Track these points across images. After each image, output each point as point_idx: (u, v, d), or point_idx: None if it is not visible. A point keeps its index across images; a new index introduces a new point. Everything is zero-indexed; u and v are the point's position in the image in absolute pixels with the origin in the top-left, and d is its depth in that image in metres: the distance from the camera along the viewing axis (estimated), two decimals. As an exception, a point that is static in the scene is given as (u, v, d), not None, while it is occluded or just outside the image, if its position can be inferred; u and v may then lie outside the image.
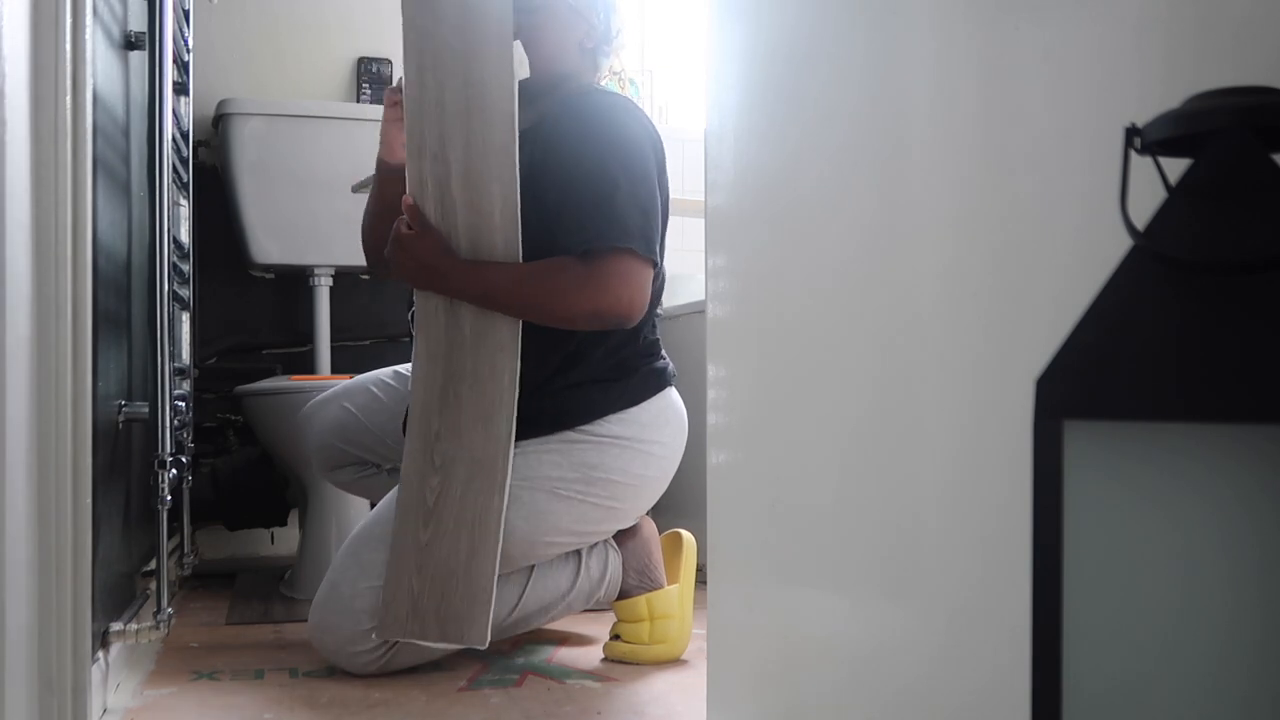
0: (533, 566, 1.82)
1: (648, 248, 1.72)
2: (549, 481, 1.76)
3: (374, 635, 1.68)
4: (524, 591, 1.81)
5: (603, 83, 1.97)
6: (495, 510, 1.66)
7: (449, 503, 1.68)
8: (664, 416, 1.86)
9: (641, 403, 1.83)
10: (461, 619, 1.65)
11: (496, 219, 1.70)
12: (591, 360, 1.81)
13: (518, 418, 1.78)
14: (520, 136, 1.86)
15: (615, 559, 1.91)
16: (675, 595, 1.90)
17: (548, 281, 1.71)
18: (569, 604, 1.87)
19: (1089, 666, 0.48)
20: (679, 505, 2.20)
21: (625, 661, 1.84)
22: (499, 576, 1.80)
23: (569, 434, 1.79)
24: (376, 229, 1.92)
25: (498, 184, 1.69)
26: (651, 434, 1.83)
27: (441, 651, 1.78)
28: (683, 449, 1.90)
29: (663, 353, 1.92)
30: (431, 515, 1.68)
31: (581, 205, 1.71)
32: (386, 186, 1.88)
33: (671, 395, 1.90)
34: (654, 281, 1.85)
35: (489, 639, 1.65)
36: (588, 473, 1.78)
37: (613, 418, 1.81)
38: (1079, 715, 0.48)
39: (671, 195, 3.04)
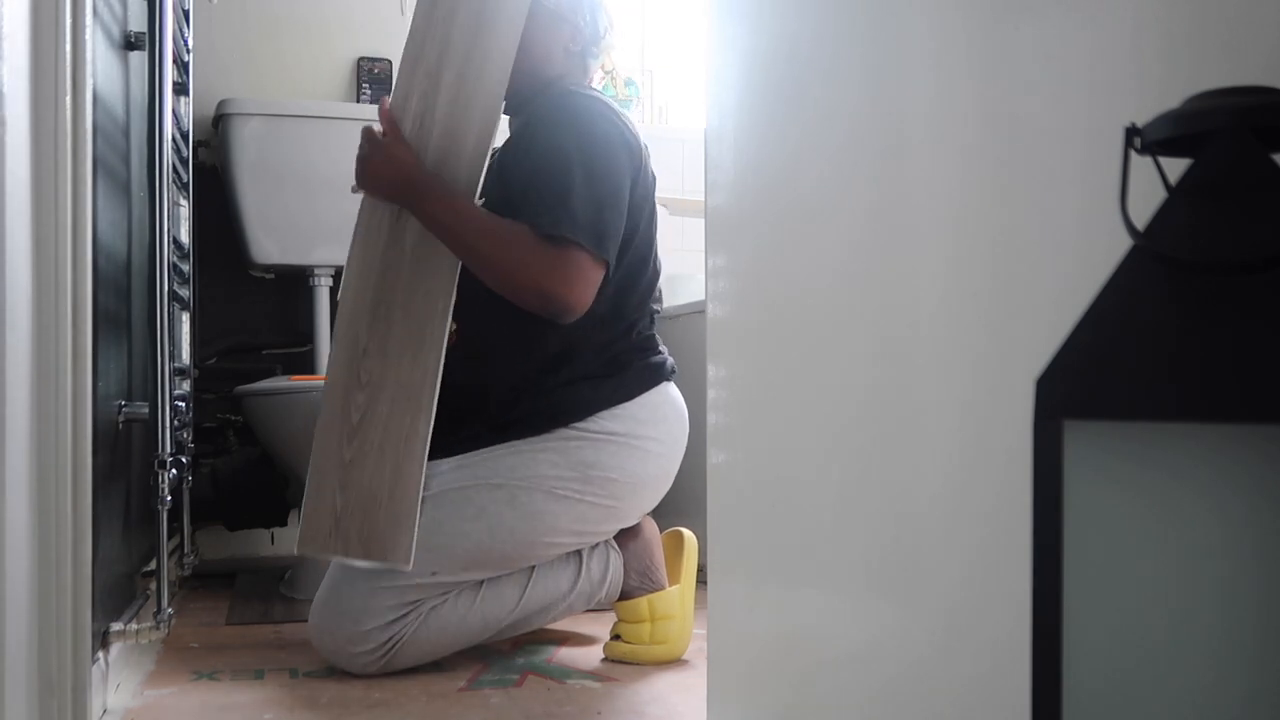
0: (533, 567, 1.82)
1: (599, 245, 1.71)
2: (546, 481, 1.76)
3: (296, 550, 1.70)
4: (524, 592, 1.81)
5: (596, 83, 1.97)
6: (420, 436, 1.66)
7: (374, 423, 1.67)
8: (660, 412, 1.85)
9: (636, 397, 1.83)
10: (385, 539, 1.65)
11: (469, 149, 1.71)
12: (583, 357, 1.81)
13: (513, 417, 1.78)
14: (504, 141, 1.87)
15: (616, 560, 1.90)
16: (676, 596, 1.90)
17: (512, 243, 1.69)
18: (570, 605, 1.87)
19: (1089, 666, 0.48)
20: (679, 505, 2.19)
21: (626, 662, 1.84)
22: (500, 576, 1.80)
23: (564, 432, 1.79)
24: None
25: (479, 114, 1.71)
26: (648, 430, 1.83)
27: (441, 654, 1.78)
28: (683, 445, 1.90)
29: (660, 348, 1.91)
30: (355, 433, 1.67)
31: (540, 197, 1.71)
32: None
33: (669, 390, 1.90)
34: (643, 276, 1.85)
35: (412, 560, 1.65)
36: (585, 471, 1.77)
37: (606, 414, 1.80)
38: (1079, 715, 0.48)
39: (672, 195, 3.04)
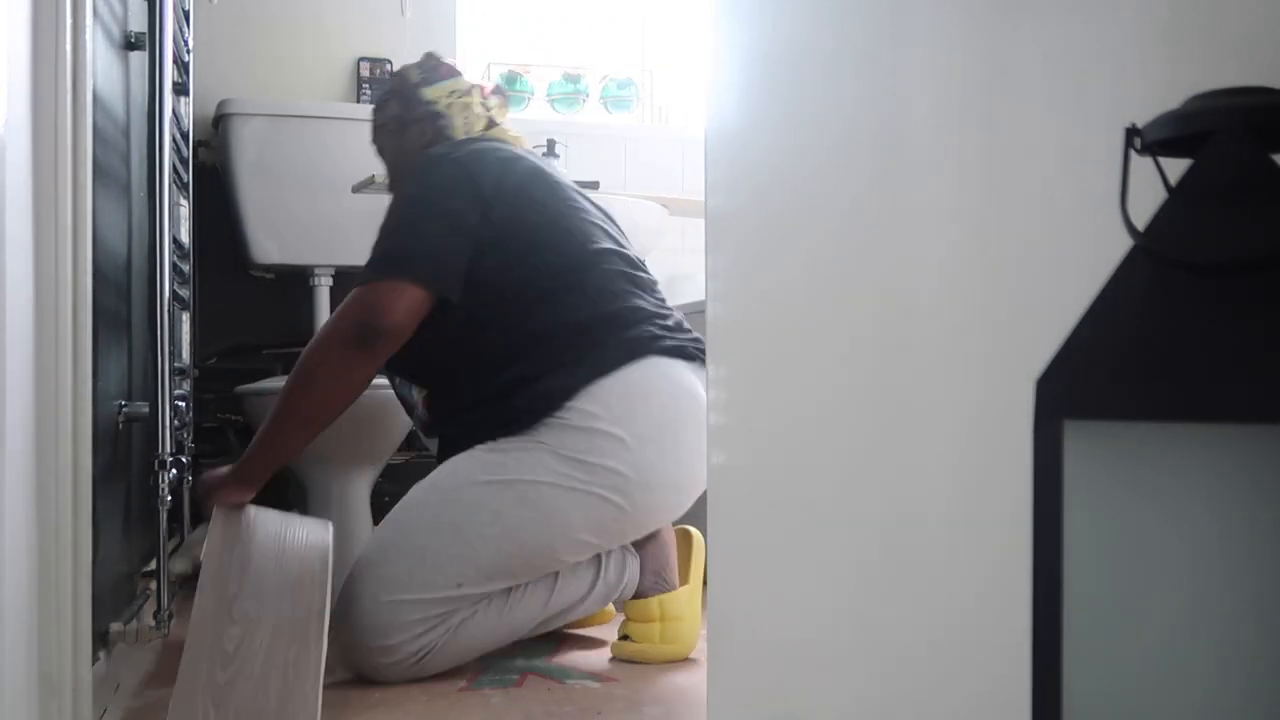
0: (557, 575, 1.81)
1: (399, 270, 1.75)
2: (549, 474, 1.72)
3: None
4: (549, 599, 1.80)
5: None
6: (311, 662, 1.50)
7: (251, 650, 1.52)
8: (647, 387, 1.77)
9: (611, 373, 1.75)
10: None
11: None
12: (529, 356, 1.79)
13: (498, 421, 1.77)
14: None
15: (633, 564, 1.89)
16: (685, 596, 1.89)
17: (313, 350, 1.77)
18: (586, 607, 1.87)
19: (1089, 667, 0.48)
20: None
21: (634, 661, 1.83)
22: (525, 585, 1.78)
23: (548, 421, 1.74)
24: None
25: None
26: (624, 409, 1.74)
27: (468, 660, 1.77)
28: (691, 420, 1.77)
29: (649, 325, 1.82)
30: (231, 660, 1.51)
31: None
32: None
33: (658, 364, 1.79)
34: (542, 269, 1.81)
35: None
36: (582, 458, 1.72)
37: (583, 394, 1.74)
38: (1079, 716, 0.48)
39: (672, 195, 3.03)
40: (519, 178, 1.88)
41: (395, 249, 1.78)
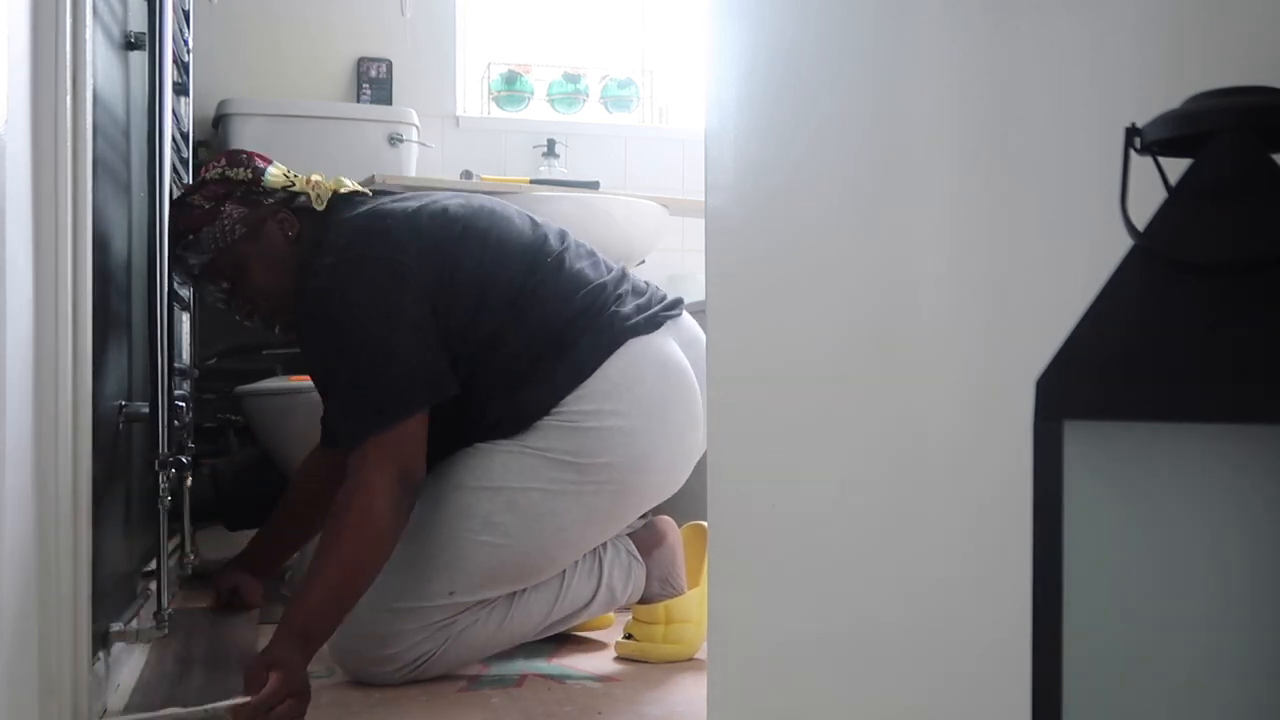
0: (560, 584, 1.80)
1: (404, 407, 1.62)
2: (539, 479, 1.70)
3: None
4: (552, 607, 1.79)
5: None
6: None
7: None
8: (632, 374, 1.74)
9: (593, 373, 1.72)
10: None
11: None
12: (517, 369, 1.73)
13: (480, 428, 1.73)
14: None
15: (639, 571, 1.88)
16: (694, 600, 1.88)
17: (347, 535, 1.56)
18: (590, 614, 1.86)
19: (1089, 666, 0.48)
20: (680, 505, 2.19)
21: (636, 659, 1.83)
22: (527, 592, 1.76)
23: (539, 424, 1.71)
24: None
25: None
26: (614, 403, 1.72)
27: (465, 666, 1.77)
28: (676, 399, 1.77)
29: (614, 306, 1.78)
30: None
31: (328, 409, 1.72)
32: None
33: (636, 346, 1.76)
34: (492, 291, 1.72)
35: None
36: (574, 459, 1.70)
37: (571, 398, 1.71)
38: (1079, 715, 0.48)
39: (672, 195, 3.03)
40: (432, 228, 1.73)
41: (385, 385, 1.63)
